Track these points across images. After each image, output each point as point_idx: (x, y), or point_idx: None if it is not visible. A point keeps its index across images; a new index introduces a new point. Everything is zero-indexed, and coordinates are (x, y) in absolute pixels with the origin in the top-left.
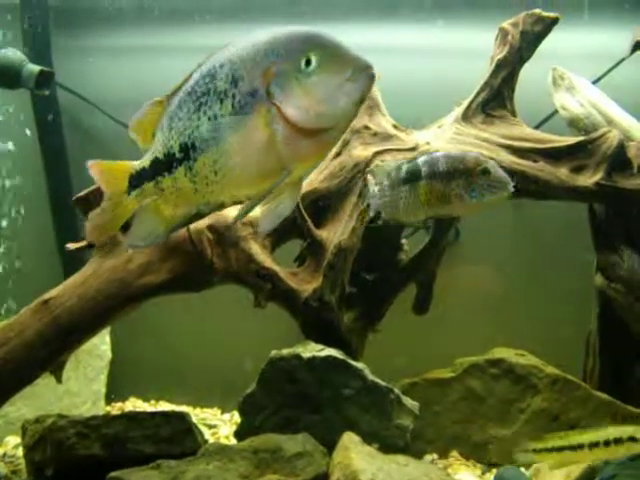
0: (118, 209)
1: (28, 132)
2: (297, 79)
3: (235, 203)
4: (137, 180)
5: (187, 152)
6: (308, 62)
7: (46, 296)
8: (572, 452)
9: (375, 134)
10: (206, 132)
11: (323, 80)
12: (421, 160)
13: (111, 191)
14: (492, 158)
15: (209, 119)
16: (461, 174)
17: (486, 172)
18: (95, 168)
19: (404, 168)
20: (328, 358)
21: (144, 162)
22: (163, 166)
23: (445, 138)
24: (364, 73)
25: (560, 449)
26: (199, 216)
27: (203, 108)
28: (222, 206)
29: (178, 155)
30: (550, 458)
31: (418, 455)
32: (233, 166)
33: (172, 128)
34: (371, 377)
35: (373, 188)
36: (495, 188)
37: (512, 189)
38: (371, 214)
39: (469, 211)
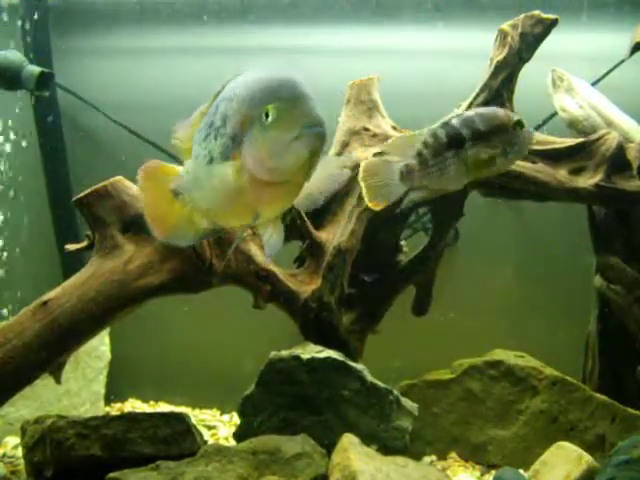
0: (168, 207)
1: (28, 133)
2: (258, 131)
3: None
4: None
5: (198, 175)
6: (267, 115)
7: (45, 297)
8: None
9: (374, 135)
10: (204, 165)
11: (274, 136)
12: (456, 122)
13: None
14: None
15: (208, 152)
16: (499, 130)
17: (521, 124)
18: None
19: (441, 133)
20: (327, 359)
21: (183, 171)
22: None
23: None
24: (312, 131)
25: None
26: (217, 230)
27: (207, 140)
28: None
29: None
30: None
31: (417, 456)
32: (215, 201)
33: (194, 149)
34: (370, 378)
35: (411, 160)
36: (527, 140)
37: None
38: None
39: (503, 169)
